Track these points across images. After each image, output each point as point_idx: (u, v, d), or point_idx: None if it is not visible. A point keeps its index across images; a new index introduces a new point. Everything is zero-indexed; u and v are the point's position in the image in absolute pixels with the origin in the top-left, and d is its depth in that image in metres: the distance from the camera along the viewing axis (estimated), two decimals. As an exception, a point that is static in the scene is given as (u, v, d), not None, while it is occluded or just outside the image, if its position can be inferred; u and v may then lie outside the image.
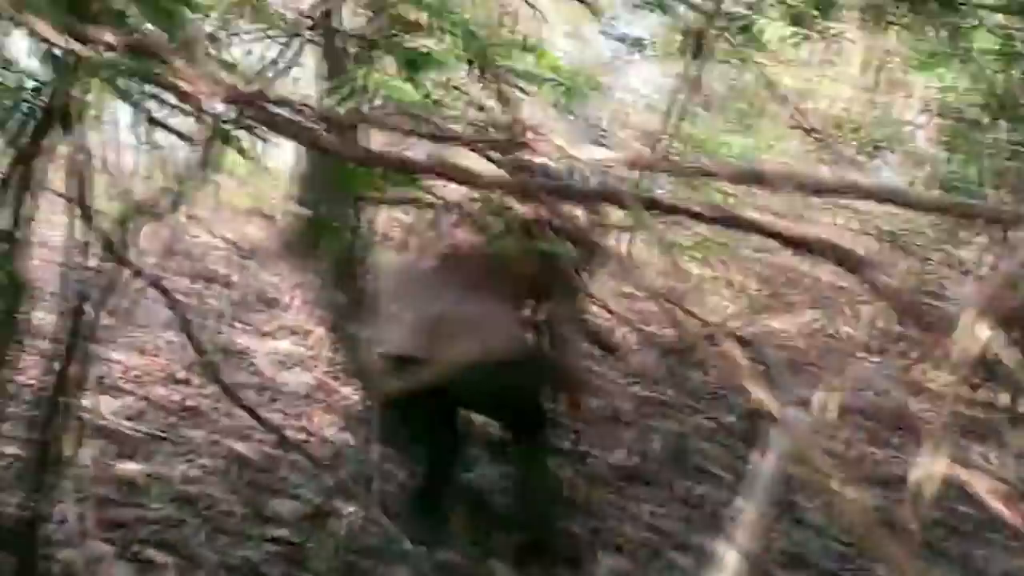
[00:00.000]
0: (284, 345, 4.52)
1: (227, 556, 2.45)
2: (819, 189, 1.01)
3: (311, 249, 3.35)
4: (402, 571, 2.42)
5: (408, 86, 1.92)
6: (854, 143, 4.87)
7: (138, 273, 1.82)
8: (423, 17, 2.08)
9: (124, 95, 1.46)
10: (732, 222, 1.13)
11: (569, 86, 3.47)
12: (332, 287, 3.17)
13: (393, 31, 2.24)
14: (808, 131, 5.24)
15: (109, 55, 1.35)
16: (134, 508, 2.63)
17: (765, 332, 5.03)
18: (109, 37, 1.34)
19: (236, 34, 2.68)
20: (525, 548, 2.54)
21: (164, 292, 1.72)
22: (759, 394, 1.00)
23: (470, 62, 1.96)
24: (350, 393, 3.47)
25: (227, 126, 1.37)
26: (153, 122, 1.58)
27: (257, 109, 1.28)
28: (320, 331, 3.78)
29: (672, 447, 3.30)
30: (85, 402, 3.31)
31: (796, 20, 2.86)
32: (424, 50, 1.96)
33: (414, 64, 1.96)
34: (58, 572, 2.26)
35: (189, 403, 3.52)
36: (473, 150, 1.15)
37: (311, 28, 2.58)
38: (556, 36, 8.23)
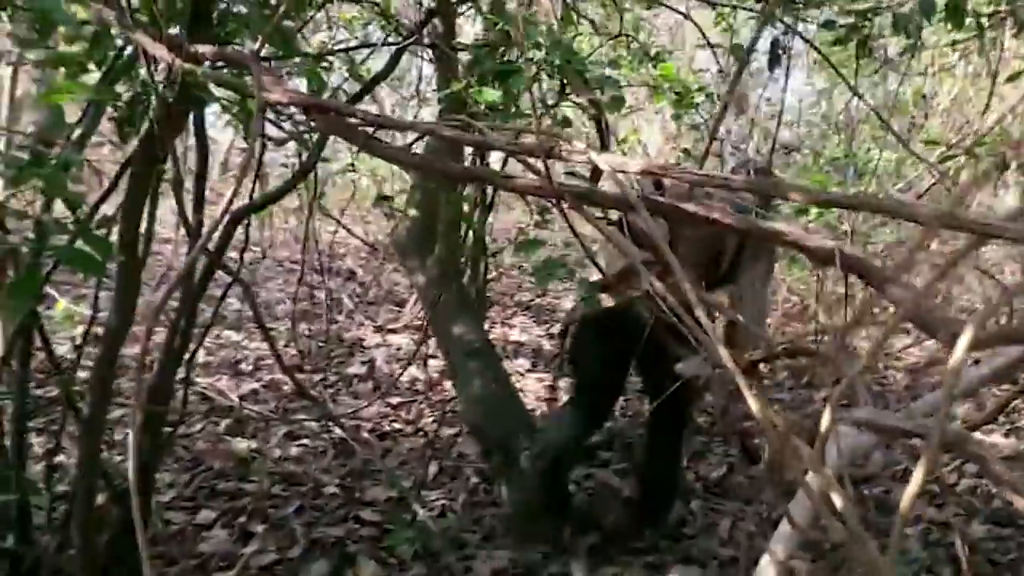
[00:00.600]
0: (401, 340, 4.74)
1: (318, 532, 2.62)
2: (832, 203, 1.01)
3: (422, 250, 3.50)
4: (479, 563, 2.51)
5: (494, 91, 2.02)
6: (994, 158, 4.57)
7: (226, 270, 1.96)
8: (518, 34, 2.18)
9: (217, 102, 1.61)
10: (753, 231, 1.15)
11: (681, 94, 3.51)
12: (438, 286, 3.31)
13: (495, 44, 2.36)
14: (954, 145, 4.99)
15: (205, 68, 1.50)
16: (240, 482, 2.85)
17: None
18: (203, 51, 1.50)
19: (365, 45, 2.88)
20: (597, 548, 2.59)
21: (245, 288, 1.86)
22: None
23: (552, 74, 2.03)
24: (451, 390, 3.59)
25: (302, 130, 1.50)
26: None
27: (325, 115, 1.40)
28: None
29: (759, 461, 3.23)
30: (208, 381, 3.63)
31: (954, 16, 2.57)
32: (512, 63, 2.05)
33: (503, 74, 2.07)
34: (164, 532, 2.49)
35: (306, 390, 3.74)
36: (509, 156, 1.21)
37: (429, 43, 2.74)
38: (692, 48, 8.16)
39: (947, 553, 2.81)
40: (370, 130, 1.37)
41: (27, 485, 2.03)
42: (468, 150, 2.70)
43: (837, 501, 0.99)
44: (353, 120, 1.38)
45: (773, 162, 5.48)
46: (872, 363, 4.21)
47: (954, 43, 3.94)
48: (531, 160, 1.26)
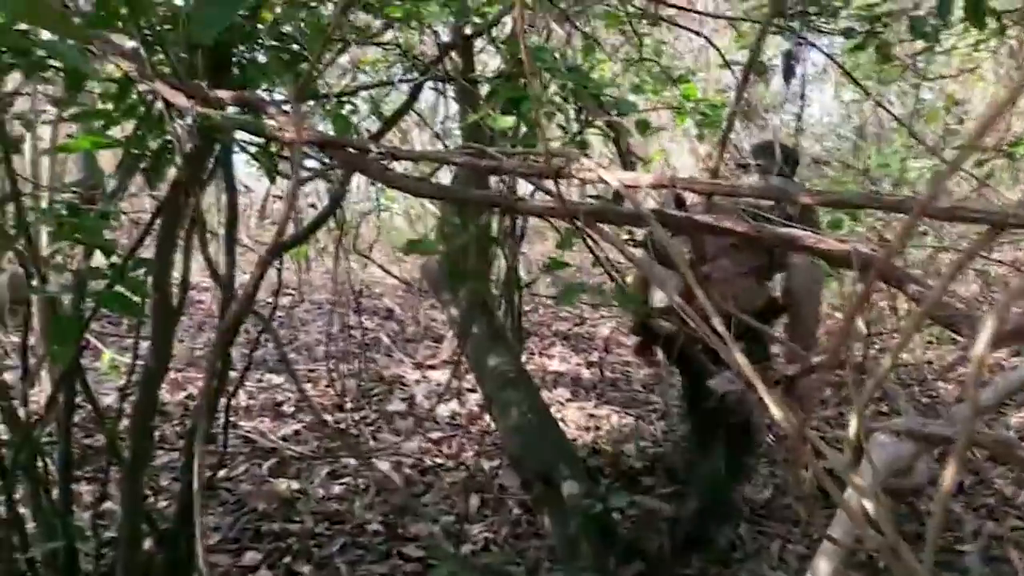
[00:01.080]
0: (441, 376, 4.75)
1: (362, 570, 2.61)
2: (838, 203, 1.00)
3: (454, 285, 3.52)
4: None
5: (508, 119, 2.05)
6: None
7: (256, 315, 1.98)
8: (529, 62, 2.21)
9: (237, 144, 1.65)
10: (769, 238, 1.14)
11: (707, 114, 3.51)
12: (470, 320, 3.32)
13: (512, 75, 2.39)
14: (987, 150, 4.91)
15: (223, 113, 1.54)
16: (284, 522, 2.86)
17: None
18: (223, 96, 1.54)
19: (383, 84, 2.94)
20: (642, 574, 2.55)
21: (271, 331, 1.88)
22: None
23: (566, 99, 2.05)
24: (490, 423, 3.58)
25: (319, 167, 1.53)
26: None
27: (341, 151, 1.43)
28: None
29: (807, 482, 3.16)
30: (251, 424, 3.67)
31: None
32: (523, 90, 2.08)
33: (515, 101, 2.09)
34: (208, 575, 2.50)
35: (342, 427, 3.78)
36: (520, 177, 1.23)
37: (447, 77, 2.78)
38: (716, 69, 8.17)
39: (1011, 569, 2.71)
40: (384, 162, 1.39)
41: (74, 532, 2.06)
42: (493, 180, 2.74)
43: (871, 508, 0.97)
44: (368, 155, 1.41)
45: (802, 176, 5.43)
46: (896, 362, 4.13)
47: (977, 44, 3.89)
48: (543, 181, 1.27)
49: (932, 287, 1.09)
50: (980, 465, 3.36)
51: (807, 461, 1.03)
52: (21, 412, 1.99)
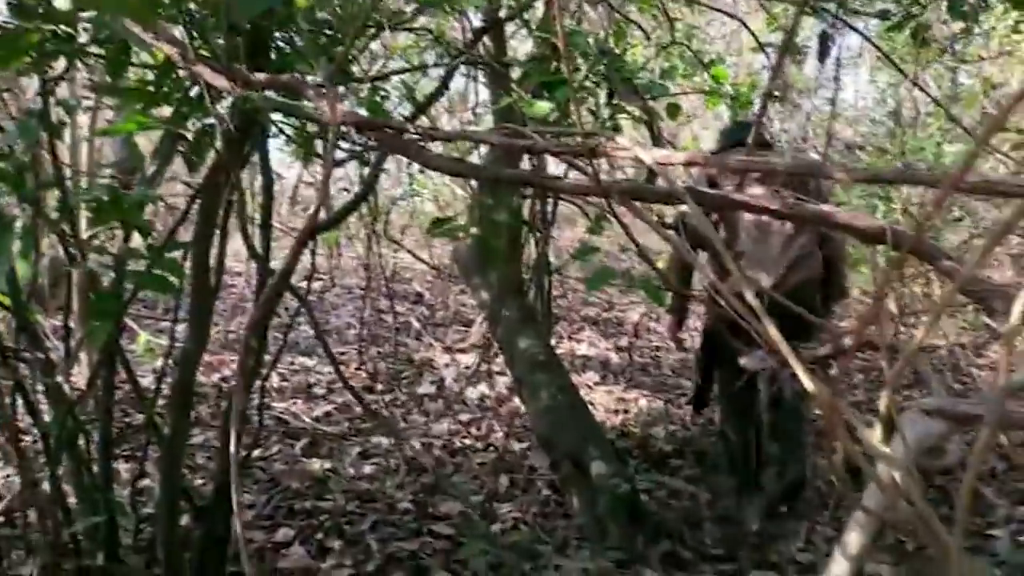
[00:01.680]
0: (470, 360, 4.79)
1: (393, 547, 2.65)
2: (871, 179, 1.00)
3: (486, 266, 3.55)
4: (550, 574, 2.51)
5: (543, 103, 2.06)
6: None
7: (293, 292, 2.02)
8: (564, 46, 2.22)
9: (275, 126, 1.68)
10: (804, 216, 1.14)
11: (736, 96, 3.50)
12: (500, 303, 3.35)
13: (544, 58, 2.40)
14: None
15: (262, 95, 1.57)
16: (316, 500, 2.91)
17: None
18: (261, 78, 1.57)
19: (416, 68, 2.96)
20: (670, 554, 2.57)
21: (308, 309, 1.92)
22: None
23: (598, 83, 2.06)
24: (519, 405, 3.61)
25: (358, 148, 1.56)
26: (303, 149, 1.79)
27: (379, 133, 1.45)
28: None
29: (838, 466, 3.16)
30: (284, 406, 3.73)
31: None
32: (556, 74, 2.09)
33: (548, 85, 2.10)
34: (245, 550, 2.56)
35: (374, 408, 3.83)
36: (553, 156, 1.24)
37: (480, 61, 2.80)
38: (748, 53, 8.10)
39: (1041, 553, 2.70)
40: (421, 143, 1.42)
41: (115, 507, 2.12)
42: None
43: (902, 483, 0.98)
44: (404, 135, 1.43)
45: (834, 160, 5.38)
46: (927, 336, 4.09)
47: (1016, 25, 3.83)
48: (577, 161, 1.29)
49: (965, 263, 1.09)
50: (1011, 451, 3.34)
51: (840, 437, 1.04)
52: (65, 389, 2.04)
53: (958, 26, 3.47)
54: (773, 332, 1.05)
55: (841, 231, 1.07)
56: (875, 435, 1.17)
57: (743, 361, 2.35)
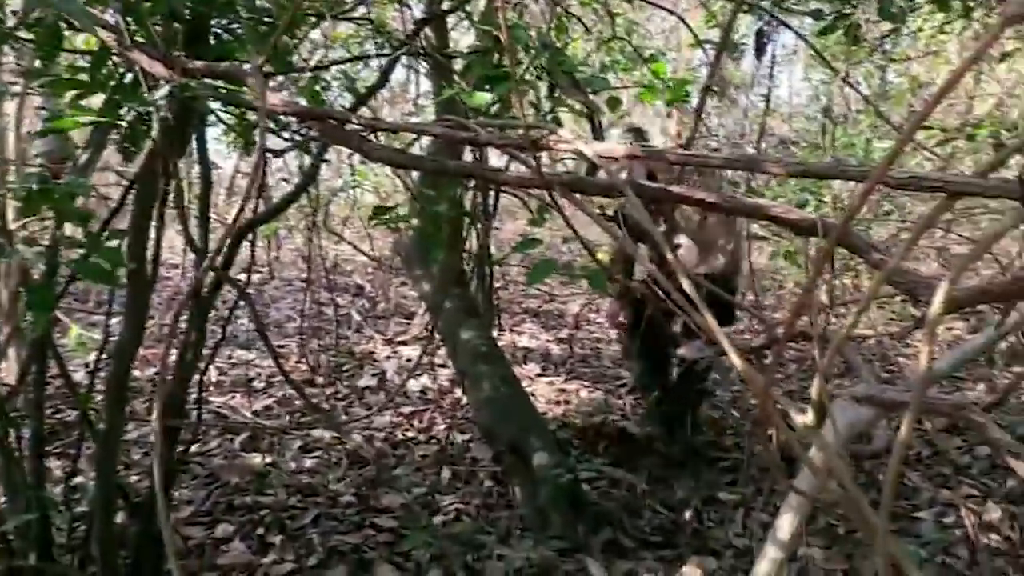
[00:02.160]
0: (412, 352, 4.77)
1: (335, 540, 2.64)
2: (808, 173, 1.04)
3: (427, 258, 3.54)
4: (492, 564, 2.53)
5: (484, 95, 2.06)
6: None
7: (232, 283, 1.99)
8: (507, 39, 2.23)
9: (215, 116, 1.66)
10: (736, 209, 1.18)
11: (672, 90, 3.55)
12: (442, 295, 3.35)
13: (486, 50, 2.40)
14: (949, 130, 5.03)
15: (200, 82, 1.54)
16: (256, 495, 2.88)
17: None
18: (199, 66, 1.54)
19: (358, 58, 2.93)
20: (612, 542, 2.61)
21: (248, 300, 1.90)
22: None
23: (539, 76, 2.07)
24: (461, 397, 3.62)
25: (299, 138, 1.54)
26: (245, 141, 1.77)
27: (320, 122, 1.44)
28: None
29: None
30: (222, 400, 3.67)
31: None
32: (498, 68, 2.10)
33: (490, 78, 2.11)
34: (183, 547, 2.52)
35: (315, 402, 3.80)
36: (496, 149, 1.26)
37: (422, 52, 2.79)
38: (687, 49, 8.22)
39: (963, 534, 2.82)
40: (362, 133, 1.41)
41: (47, 503, 2.07)
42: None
43: (832, 465, 1.01)
44: (346, 125, 1.42)
45: (769, 154, 5.51)
46: (856, 323, 4.22)
47: (942, 26, 3.97)
48: (520, 154, 1.30)
49: (892, 255, 1.14)
50: (935, 437, 3.47)
51: (774, 422, 1.08)
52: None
53: (887, 26, 3.59)
54: (711, 322, 1.08)
55: (775, 223, 1.11)
56: (807, 421, 1.22)
57: (681, 351, 2.40)
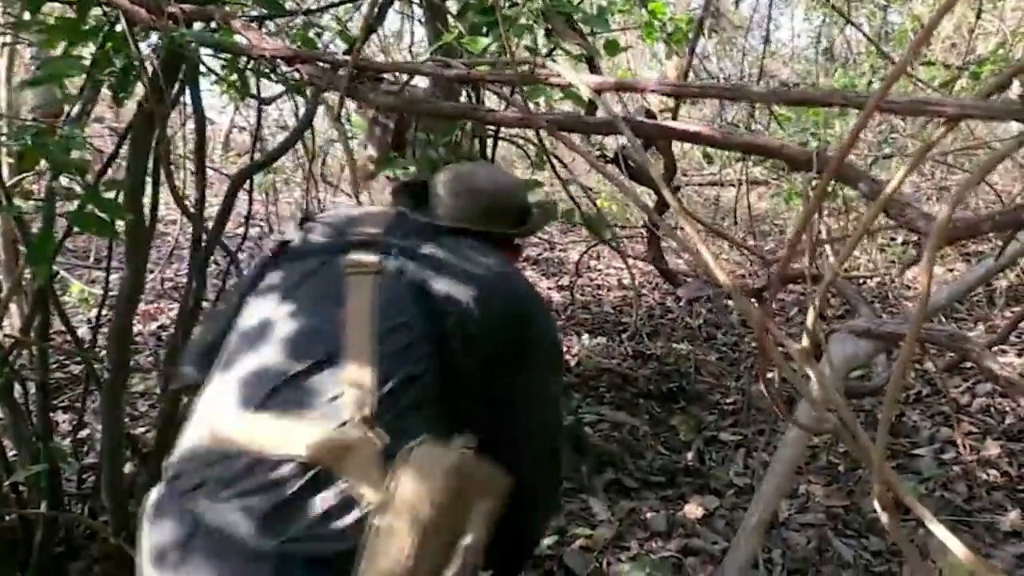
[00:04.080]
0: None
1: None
2: (793, 100, 1.03)
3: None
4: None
5: (481, 39, 2.04)
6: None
7: (222, 246, 1.98)
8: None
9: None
10: (732, 144, 1.17)
11: (673, 32, 3.50)
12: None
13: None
14: (952, 68, 4.97)
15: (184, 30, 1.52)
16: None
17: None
18: (186, 9, 1.52)
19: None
20: (614, 482, 2.65)
21: (236, 263, 1.89)
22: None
23: (536, 19, 2.05)
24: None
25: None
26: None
27: (310, 65, 1.42)
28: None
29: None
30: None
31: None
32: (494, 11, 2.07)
33: (491, 24, 2.08)
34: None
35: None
36: (487, 85, 1.24)
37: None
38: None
39: (962, 470, 2.85)
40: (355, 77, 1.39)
41: (56, 455, 2.09)
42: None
43: (828, 395, 1.02)
44: (337, 69, 1.41)
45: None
46: (849, 259, 4.22)
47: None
48: (513, 95, 1.29)
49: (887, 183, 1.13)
50: (936, 376, 3.49)
51: (772, 355, 1.08)
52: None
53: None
54: (715, 266, 1.08)
55: (771, 157, 1.10)
56: (804, 351, 1.22)
57: (679, 291, 2.40)
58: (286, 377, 1.12)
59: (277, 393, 1.11)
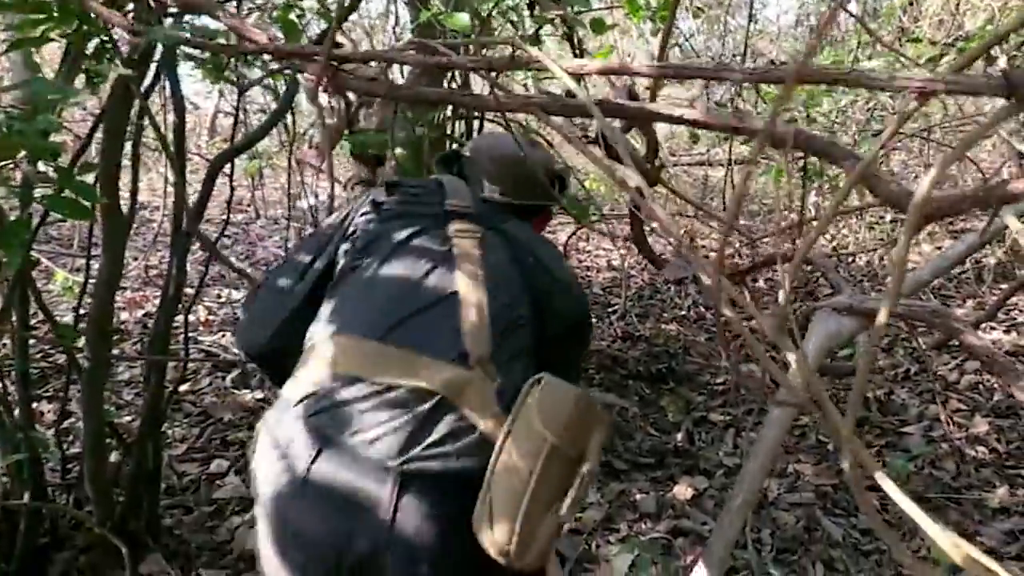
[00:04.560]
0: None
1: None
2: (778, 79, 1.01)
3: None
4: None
5: (462, 17, 2.01)
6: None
7: (199, 236, 1.95)
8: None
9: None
10: (715, 125, 1.15)
11: (656, 9, 3.46)
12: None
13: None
14: (939, 44, 4.94)
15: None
16: (249, 431, 2.90)
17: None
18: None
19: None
20: (604, 464, 2.65)
21: (212, 250, 1.87)
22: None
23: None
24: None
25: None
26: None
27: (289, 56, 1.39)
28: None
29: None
30: (212, 339, 3.67)
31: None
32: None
33: (466, -1, 2.05)
34: (178, 483, 2.55)
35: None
36: (470, 70, 1.22)
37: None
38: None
39: (950, 447, 2.86)
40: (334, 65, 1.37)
41: (38, 444, 2.07)
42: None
43: (800, 371, 1.01)
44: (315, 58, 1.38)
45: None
46: (822, 233, 4.22)
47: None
48: (493, 75, 1.26)
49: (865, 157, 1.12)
50: (923, 354, 3.50)
51: (739, 332, 1.07)
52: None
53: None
54: (685, 243, 1.06)
55: (753, 137, 1.08)
56: (776, 323, 1.20)
57: (663, 272, 2.39)
58: (409, 314, 1.25)
59: (402, 327, 1.24)
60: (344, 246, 1.41)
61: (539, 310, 1.36)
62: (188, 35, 1.45)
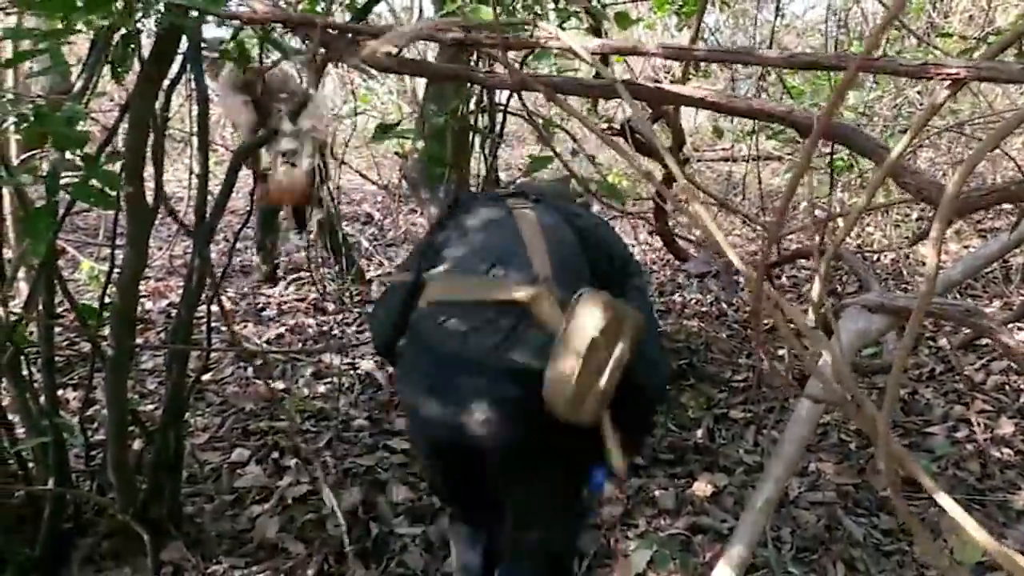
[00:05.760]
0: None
1: (349, 463, 2.68)
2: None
3: (433, 181, 3.49)
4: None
5: (486, 8, 2.00)
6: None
7: (187, 231, 1.95)
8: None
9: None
10: (735, 109, 1.14)
11: (683, 3, 3.44)
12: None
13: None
14: (971, 39, 4.87)
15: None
16: (270, 420, 2.91)
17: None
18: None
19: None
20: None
21: (201, 241, 1.87)
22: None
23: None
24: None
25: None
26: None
27: (309, 28, 1.40)
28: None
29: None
30: (235, 329, 3.68)
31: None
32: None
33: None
34: (200, 471, 2.56)
35: (325, 329, 3.82)
36: (485, 47, 1.21)
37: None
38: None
39: (975, 448, 2.82)
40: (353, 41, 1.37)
41: (62, 429, 2.09)
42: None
43: (836, 368, 0.99)
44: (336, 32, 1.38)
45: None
46: (854, 226, 4.17)
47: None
48: (508, 55, 1.25)
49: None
50: (950, 353, 3.45)
51: (779, 329, 1.06)
52: None
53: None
54: (719, 237, 1.05)
55: (773, 121, 1.07)
56: (809, 318, 1.19)
57: (687, 266, 2.38)
58: (496, 257, 1.65)
59: (493, 267, 1.65)
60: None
61: (587, 247, 1.73)
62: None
